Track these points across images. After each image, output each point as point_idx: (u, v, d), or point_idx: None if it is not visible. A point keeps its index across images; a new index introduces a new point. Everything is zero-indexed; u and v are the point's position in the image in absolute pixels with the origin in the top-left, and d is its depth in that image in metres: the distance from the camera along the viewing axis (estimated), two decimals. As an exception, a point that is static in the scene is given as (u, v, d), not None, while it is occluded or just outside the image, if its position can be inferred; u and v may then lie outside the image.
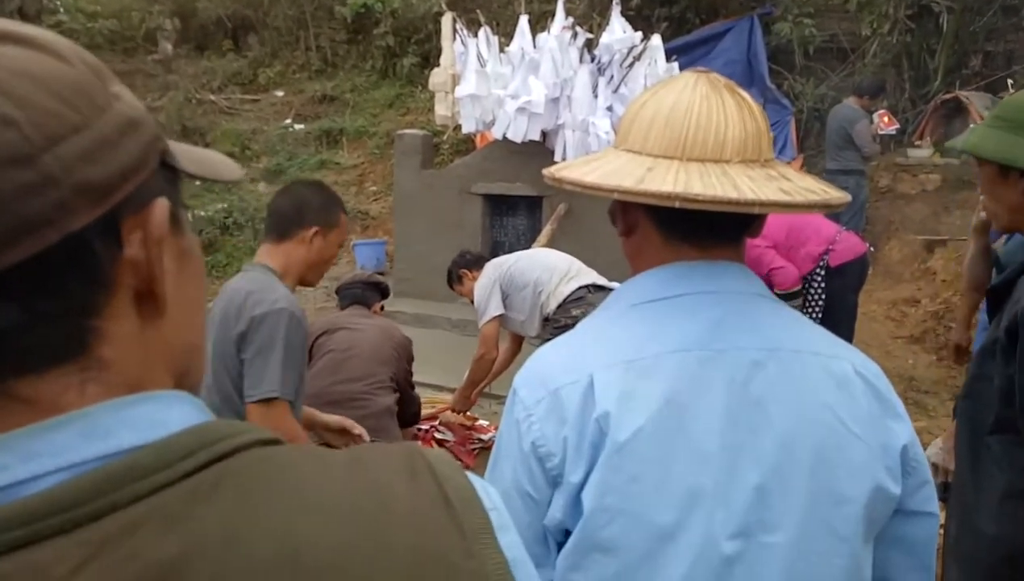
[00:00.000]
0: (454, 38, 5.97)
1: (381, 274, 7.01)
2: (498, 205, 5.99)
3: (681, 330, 0.86)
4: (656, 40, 5.28)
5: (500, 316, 3.40)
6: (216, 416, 0.46)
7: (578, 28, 5.34)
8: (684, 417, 0.82)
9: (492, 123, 5.52)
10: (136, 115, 0.43)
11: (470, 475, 0.50)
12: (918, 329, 5.41)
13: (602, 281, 3.33)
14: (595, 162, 0.92)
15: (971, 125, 5.44)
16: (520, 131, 5.24)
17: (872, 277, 4.42)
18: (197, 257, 0.50)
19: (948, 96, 6.90)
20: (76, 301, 0.40)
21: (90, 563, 0.36)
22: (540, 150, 5.47)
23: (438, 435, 3.65)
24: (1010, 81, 6.93)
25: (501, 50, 5.57)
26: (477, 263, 3.66)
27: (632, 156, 0.88)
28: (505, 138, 5.39)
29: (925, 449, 1.14)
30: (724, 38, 7.49)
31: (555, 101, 5.21)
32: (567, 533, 0.85)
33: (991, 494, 1.39)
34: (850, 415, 0.85)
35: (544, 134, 5.45)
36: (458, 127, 6.39)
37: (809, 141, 7.58)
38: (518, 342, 3.73)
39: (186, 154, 0.48)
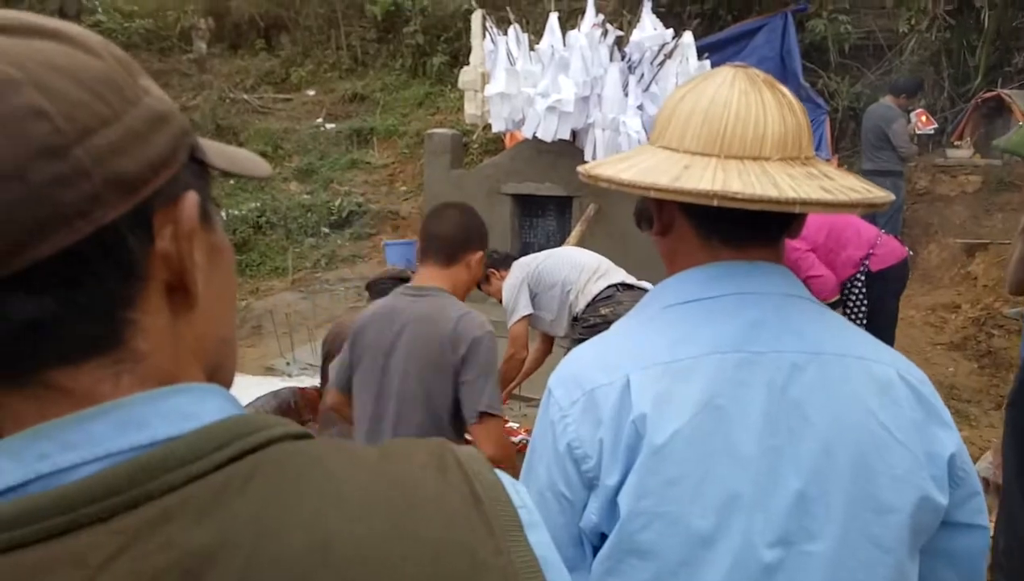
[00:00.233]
0: (484, 36, 5.97)
1: (412, 273, 7.06)
2: (528, 205, 5.98)
3: (719, 332, 0.84)
4: (688, 37, 5.23)
5: (529, 315, 3.38)
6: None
7: (608, 26, 5.31)
8: (722, 420, 0.80)
9: (522, 122, 5.52)
10: (165, 109, 0.44)
11: (500, 472, 0.49)
12: (958, 336, 5.28)
13: (631, 280, 3.30)
14: (630, 159, 0.91)
15: (1017, 125, 5.29)
16: (550, 130, 5.22)
17: (910, 282, 4.33)
18: (228, 252, 0.50)
19: (989, 94, 6.72)
20: (110, 293, 0.41)
21: (125, 551, 0.37)
22: (570, 149, 5.44)
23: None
24: (1055, 79, 6.74)
25: (531, 48, 5.56)
26: (505, 262, 3.65)
27: (668, 153, 0.87)
28: (535, 137, 5.37)
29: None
30: (757, 35, 7.39)
31: (585, 100, 5.19)
32: (603, 537, 0.83)
33: None
34: (893, 421, 0.83)
35: (574, 133, 5.43)
36: (488, 126, 6.40)
37: (844, 141, 7.44)
38: (548, 342, 3.71)
39: (215, 150, 0.49)
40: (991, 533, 0.93)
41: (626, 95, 5.11)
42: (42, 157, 0.37)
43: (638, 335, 0.89)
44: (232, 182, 8.02)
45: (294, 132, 9.77)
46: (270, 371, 5.14)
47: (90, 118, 0.39)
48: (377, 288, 3.30)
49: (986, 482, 1.70)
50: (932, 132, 6.36)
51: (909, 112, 5.99)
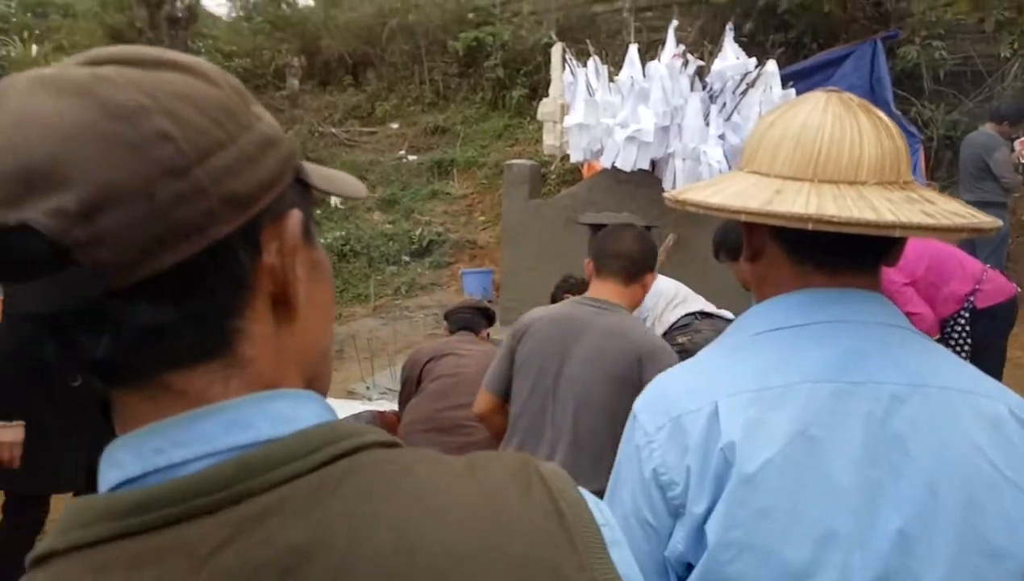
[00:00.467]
0: (563, 68, 6.05)
1: (488, 302, 7.14)
2: (605, 234, 5.95)
3: (812, 360, 0.82)
4: (772, 66, 5.14)
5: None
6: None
7: (689, 56, 5.28)
8: (816, 451, 0.78)
9: (600, 152, 5.53)
10: (274, 134, 0.47)
11: (582, 490, 0.50)
12: (1070, 378, 4.89)
13: (711, 308, 3.23)
14: (718, 184, 0.90)
15: None
16: (629, 160, 5.21)
17: (1018, 320, 4.03)
18: (327, 268, 0.53)
19: (1102, 120, 6.27)
20: (222, 303, 0.44)
21: (230, 544, 0.39)
22: (649, 180, 5.41)
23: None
24: None
25: (610, 79, 5.59)
26: (580, 288, 3.64)
27: (759, 178, 0.85)
28: (614, 167, 5.37)
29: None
30: (844, 63, 7.18)
31: (665, 130, 5.16)
32: (689, 567, 0.81)
33: None
34: (1005, 460, 0.78)
35: (653, 163, 5.40)
36: (565, 157, 6.44)
37: (940, 172, 7.10)
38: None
39: (316, 172, 0.52)
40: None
41: (707, 124, 5.05)
42: (167, 177, 0.40)
43: (727, 362, 0.87)
44: (319, 212, 8.36)
45: (378, 164, 10.12)
46: (351, 395, 5.27)
47: (209, 142, 0.42)
48: (455, 317, 3.36)
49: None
50: (1038, 161, 5.99)
51: (1012, 140, 5.67)
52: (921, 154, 6.81)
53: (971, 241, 4.74)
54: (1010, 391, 0.86)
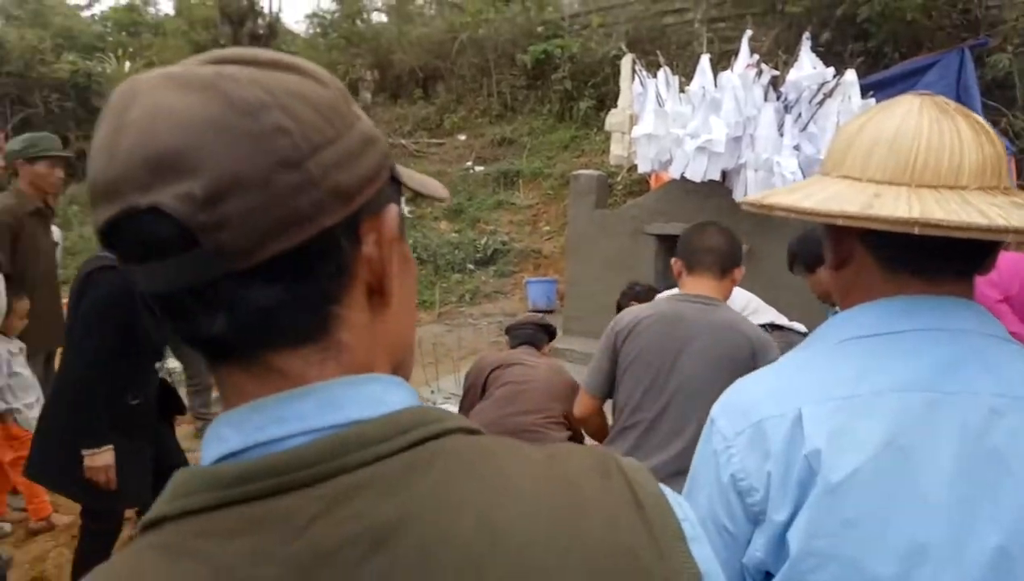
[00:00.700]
0: (633, 79, 6.03)
1: (551, 312, 7.14)
2: (673, 246, 5.86)
3: (904, 368, 0.79)
4: (851, 75, 5.00)
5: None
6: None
7: (763, 65, 5.18)
8: (907, 463, 0.75)
9: (669, 163, 5.48)
10: (373, 133, 0.50)
11: (663, 486, 0.50)
12: None
13: (783, 320, 3.15)
14: (806, 189, 0.88)
15: None
16: (699, 170, 5.15)
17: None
18: (413, 263, 0.55)
19: None
20: (325, 289, 0.46)
21: (324, 516, 0.42)
22: (719, 190, 5.33)
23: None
24: None
25: (681, 90, 5.54)
26: (647, 295, 3.60)
27: (850, 182, 0.83)
28: (683, 178, 5.31)
29: None
30: (928, 72, 6.88)
31: (737, 140, 5.08)
32: (768, 575, 0.80)
33: None
34: None
35: (724, 174, 5.31)
36: (633, 167, 6.40)
37: (1032, 184, 6.73)
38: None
39: (405, 173, 0.55)
40: None
41: (781, 135, 4.94)
42: (283, 168, 0.42)
43: (812, 367, 0.85)
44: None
45: (445, 174, 10.28)
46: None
47: (320, 137, 0.44)
48: (517, 333, 3.39)
49: None
50: None
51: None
52: (1012, 166, 6.47)
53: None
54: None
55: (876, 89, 6.02)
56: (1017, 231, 0.72)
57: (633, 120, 5.96)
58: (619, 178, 8.30)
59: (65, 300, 3.01)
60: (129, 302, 2.41)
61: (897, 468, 0.75)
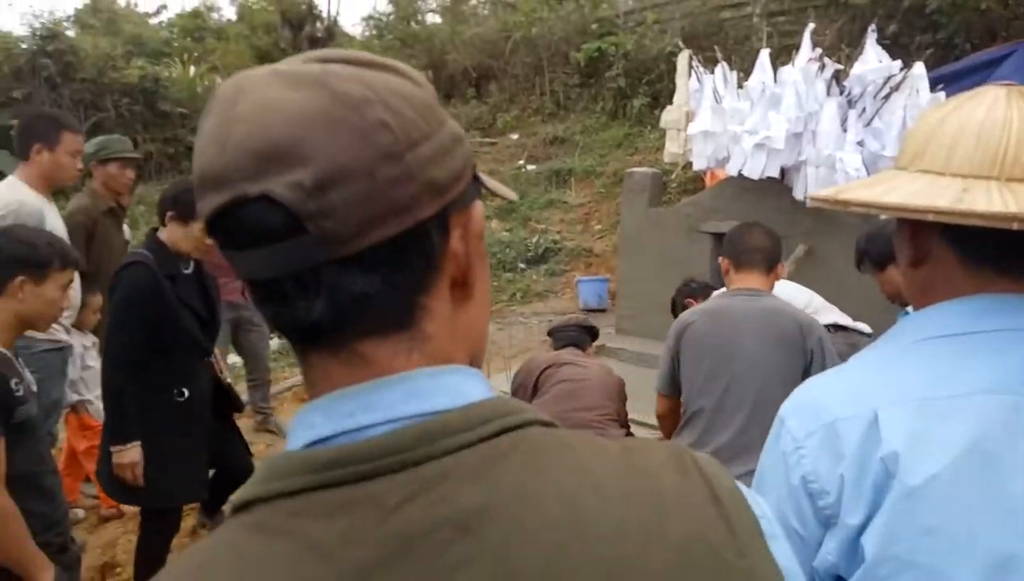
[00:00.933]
0: (689, 75, 5.94)
1: (602, 311, 7.09)
2: (728, 244, 5.77)
3: (988, 370, 0.76)
4: (919, 68, 4.80)
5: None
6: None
7: (826, 59, 5.03)
8: (992, 469, 0.72)
9: (726, 160, 5.37)
10: (460, 133, 0.51)
11: (738, 482, 0.50)
12: None
13: (846, 321, 3.05)
14: (884, 184, 0.85)
15: None
16: (758, 168, 5.03)
17: None
18: (487, 260, 0.56)
19: None
20: (416, 279, 0.47)
21: (412, 500, 0.43)
22: (777, 188, 5.20)
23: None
24: None
25: (739, 86, 5.42)
26: (703, 292, 3.53)
27: (933, 177, 0.80)
28: (740, 175, 5.20)
29: None
30: (1002, 65, 6.57)
31: (797, 136, 4.94)
32: (839, 579, 0.77)
33: None
34: None
35: (783, 171, 5.18)
36: (687, 165, 6.31)
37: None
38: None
39: (483, 175, 0.56)
40: None
41: (844, 131, 4.79)
42: (385, 160, 0.44)
43: (888, 368, 0.82)
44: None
45: (497, 173, 10.32)
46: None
47: (417, 133, 0.46)
48: (561, 335, 3.38)
49: None
50: None
51: None
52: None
53: None
54: None
55: (946, 83, 5.78)
56: None
57: (689, 117, 5.86)
58: (673, 176, 8.19)
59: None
60: (152, 297, 2.42)
61: (981, 474, 0.72)
